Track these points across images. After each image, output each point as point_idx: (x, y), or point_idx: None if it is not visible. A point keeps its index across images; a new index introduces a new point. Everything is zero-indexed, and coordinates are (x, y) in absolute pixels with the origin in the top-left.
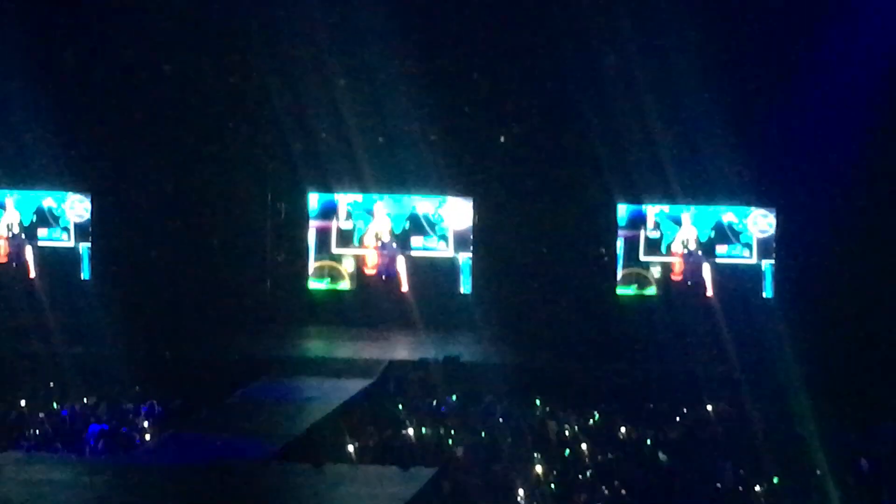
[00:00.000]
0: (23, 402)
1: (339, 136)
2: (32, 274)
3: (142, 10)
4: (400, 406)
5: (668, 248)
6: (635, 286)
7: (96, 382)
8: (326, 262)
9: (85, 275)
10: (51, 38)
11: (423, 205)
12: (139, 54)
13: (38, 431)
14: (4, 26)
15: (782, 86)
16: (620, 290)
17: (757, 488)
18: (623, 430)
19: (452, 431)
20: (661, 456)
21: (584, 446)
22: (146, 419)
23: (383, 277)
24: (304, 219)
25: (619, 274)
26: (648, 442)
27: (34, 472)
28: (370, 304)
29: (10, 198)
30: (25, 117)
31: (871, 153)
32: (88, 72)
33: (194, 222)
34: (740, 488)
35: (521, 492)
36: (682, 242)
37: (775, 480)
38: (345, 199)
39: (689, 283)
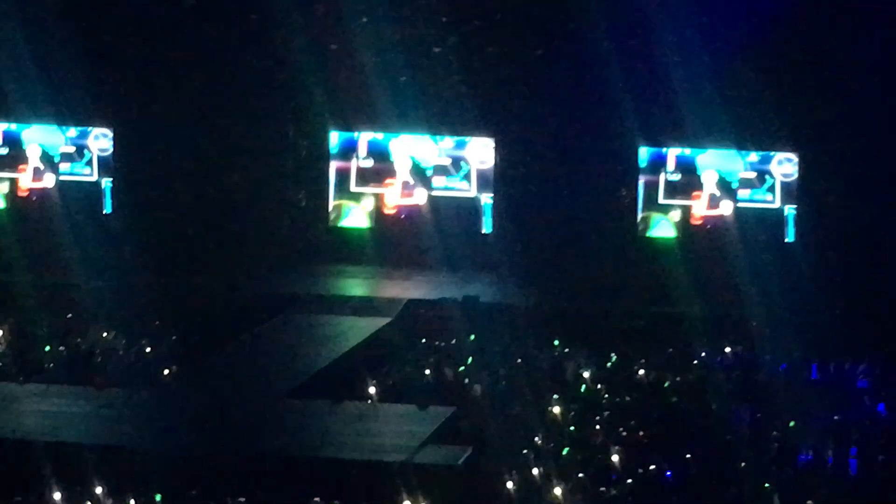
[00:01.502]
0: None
1: (360, 75)
2: (55, 206)
3: None
4: (419, 345)
5: (690, 191)
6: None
7: (117, 316)
8: (345, 201)
9: (107, 208)
10: None
11: (446, 143)
12: None
13: (52, 365)
14: None
15: (807, 30)
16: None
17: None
18: (640, 372)
19: (471, 371)
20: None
21: (600, 387)
22: (166, 353)
23: (403, 217)
24: (325, 157)
25: (639, 216)
26: (666, 384)
27: (53, 404)
28: (390, 243)
29: (32, 130)
30: (50, 52)
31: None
32: (111, 8)
33: (215, 160)
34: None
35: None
36: (703, 185)
37: (791, 424)
38: (365, 138)
39: (709, 226)
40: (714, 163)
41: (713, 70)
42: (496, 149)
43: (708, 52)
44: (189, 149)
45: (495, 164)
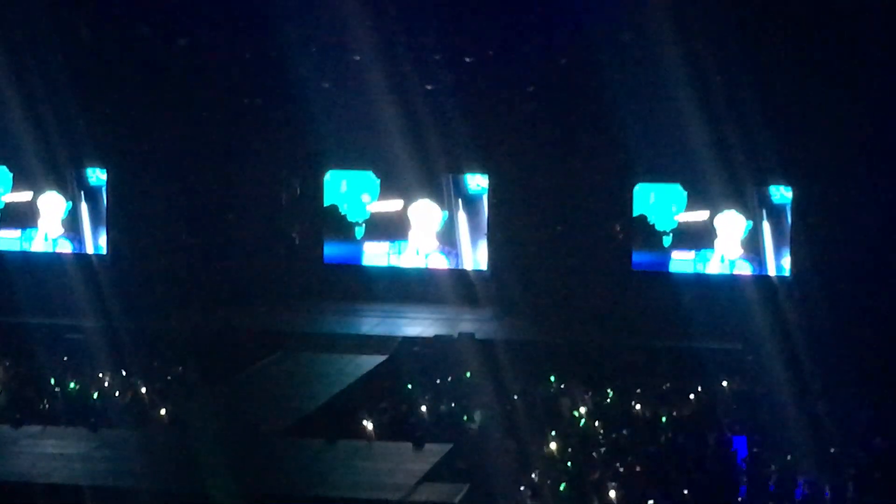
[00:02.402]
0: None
1: (353, 112)
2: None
3: None
4: (414, 383)
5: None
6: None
7: (112, 357)
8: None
9: (101, 250)
10: (68, 15)
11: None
12: (155, 29)
13: (47, 406)
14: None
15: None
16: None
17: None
18: (637, 406)
19: (467, 408)
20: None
21: (597, 423)
22: (161, 393)
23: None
24: (318, 195)
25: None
26: (663, 419)
27: (49, 445)
28: (385, 280)
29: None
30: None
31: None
32: (105, 46)
33: (209, 198)
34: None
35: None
36: (695, 222)
37: (788, 458)
38: (356, 178)
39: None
40: (704, 198)
41: (708, 106)
42: (490, 185)
43: (702, 87)
44: (183, 187)
45: (489, 201)
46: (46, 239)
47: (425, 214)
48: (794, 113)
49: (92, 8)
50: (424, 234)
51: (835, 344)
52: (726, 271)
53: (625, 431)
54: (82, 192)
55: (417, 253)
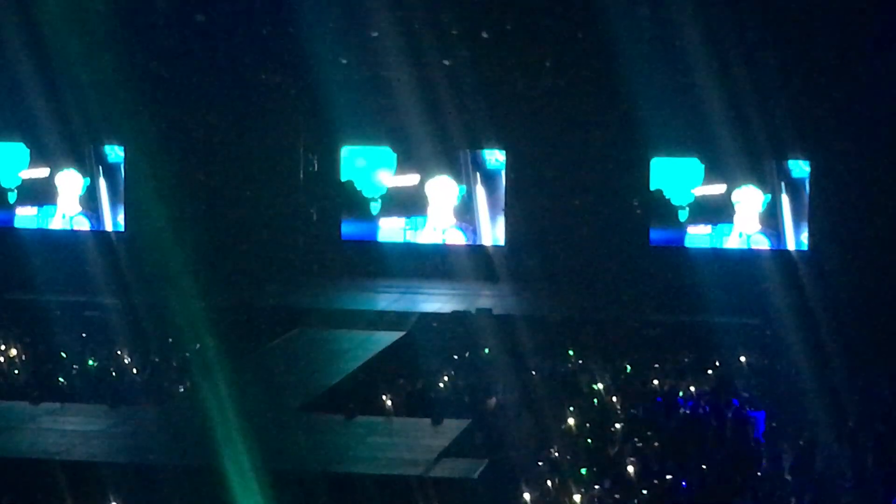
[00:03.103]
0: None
1: (370, 88)
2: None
3: None
4: (432, 359)
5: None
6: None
7: (129, 334)
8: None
9: (120, 227)
10: None
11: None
12: (173, 5)
13: (66, 383)
14: None
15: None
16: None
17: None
18: (655, 381)
19: (485, 384)
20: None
21: (615, 398)
22: (179, 369)
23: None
24: (335, 171)
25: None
26: (680, 394)
27: (68, 422)
28: (403, 256)
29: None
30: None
31: None
32: (123, 24)
33: (226, 175)
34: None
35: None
36: (713, 196)
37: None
38: (373, 153)
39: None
40: (723, 174)
41: (725, 79)
42: (507, 160)
43: (719, 60)
44: (200, 164)
45: (507, 176)
46: (64, 217)
47: (442, 190)
48: (812, 86)
49: None
50: (441, 209)
51: (853, 318)
52: (744, 246)
53: (643, 406)
54: (100, 169)
55: (435, 229)
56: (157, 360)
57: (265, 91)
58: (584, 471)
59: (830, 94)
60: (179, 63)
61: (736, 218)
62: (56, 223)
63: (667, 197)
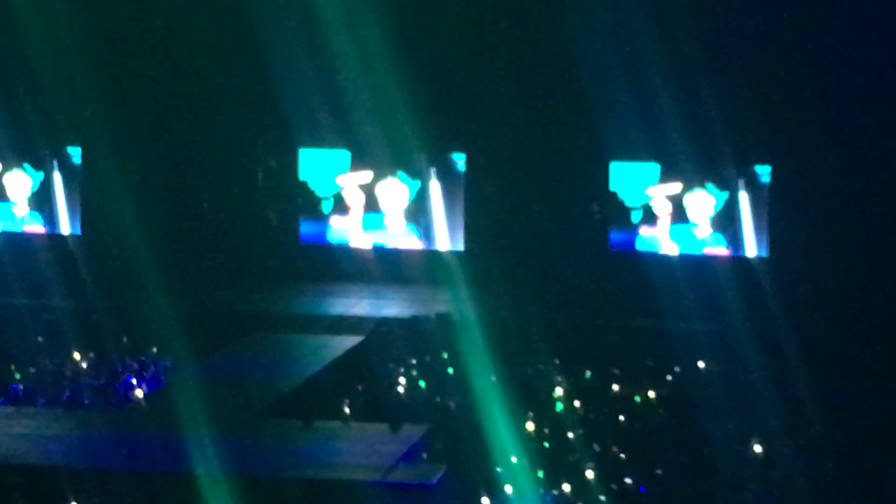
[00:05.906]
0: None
1: (327, 91)
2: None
3: None
4: (391, 364)
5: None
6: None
7: (85, 337)
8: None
9: (78, 231)
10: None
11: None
12: (129, 7)
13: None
14: None
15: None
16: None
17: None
18: (615, 387)
19: (444, 389)
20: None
21: (576, 404)
22: (135, 374)
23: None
24: (293, 174)
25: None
26: (637, 400)
27: (23, 426)
28: (361, 260)
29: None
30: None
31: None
32: (79, 23)
33: (184, 177)
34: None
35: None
36: (672, 200)
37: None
38: (332, 156)
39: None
40: (684, 178)
41: (684, 84)
42: (467, 164)
43: (680, 65)
44: (157, 167)
45: (466, 179)
46: (14, 219)
47: (392, 192)
48: (773, 90)
49: None
50: (393, 211)
51: (813, 323)
52: (697, 251)
53: (602, 412)
54: (57, 171)
55: (389, 233)
56: (113, 363)
57: (223, 93)
58: (540, 473)
59: (792, 98)
60: (137, 65)
61: (690, 221)
62: (6, 225)
63: (621, 199)
